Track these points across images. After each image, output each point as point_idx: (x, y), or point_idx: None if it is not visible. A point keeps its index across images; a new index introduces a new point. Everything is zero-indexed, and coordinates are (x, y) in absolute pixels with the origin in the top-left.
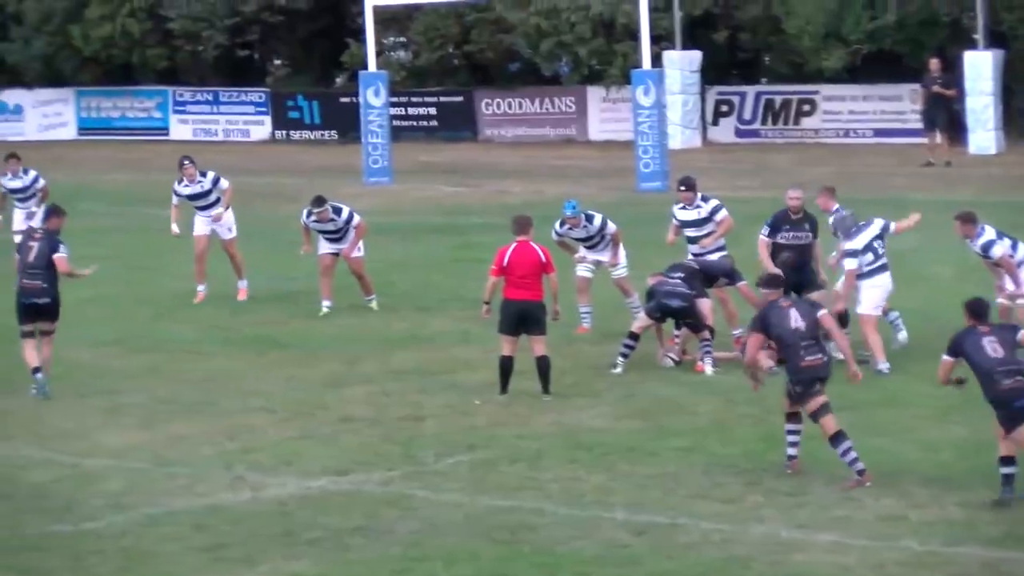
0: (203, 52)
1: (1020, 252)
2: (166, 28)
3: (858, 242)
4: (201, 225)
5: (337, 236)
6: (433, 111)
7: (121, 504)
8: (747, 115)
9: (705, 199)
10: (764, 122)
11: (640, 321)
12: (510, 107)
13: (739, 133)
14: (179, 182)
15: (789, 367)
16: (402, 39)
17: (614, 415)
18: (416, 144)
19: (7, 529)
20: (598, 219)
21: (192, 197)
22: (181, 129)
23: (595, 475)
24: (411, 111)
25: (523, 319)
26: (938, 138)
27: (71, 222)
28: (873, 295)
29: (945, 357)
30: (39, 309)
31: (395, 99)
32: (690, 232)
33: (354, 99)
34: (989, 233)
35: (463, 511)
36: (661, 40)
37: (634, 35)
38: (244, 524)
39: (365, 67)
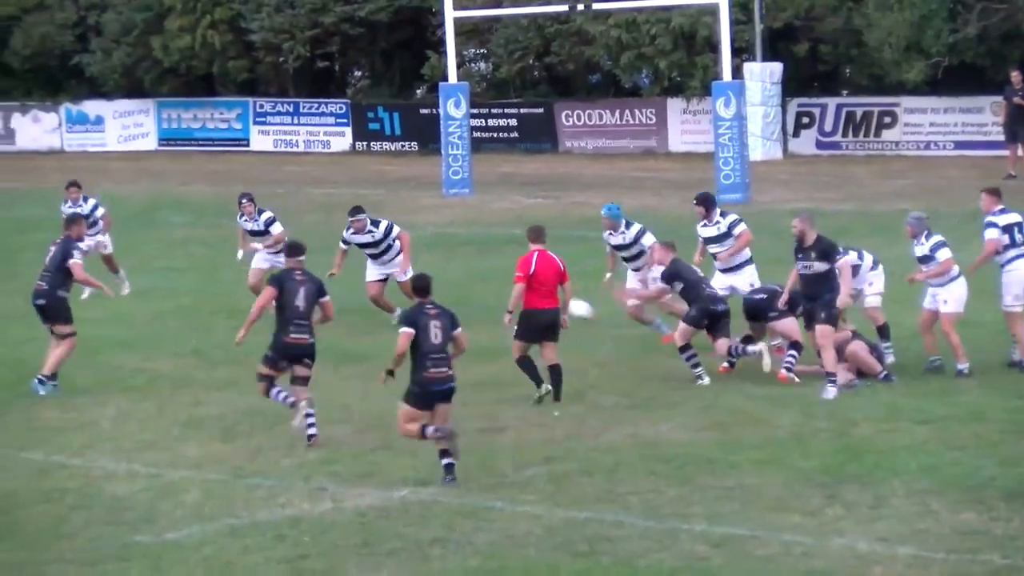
0: (284, 63)
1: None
2: (247, 40)
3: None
4: (259, 259)
5: (378, 252)
6: (513, 123)
7: (202, 515)
8: (828, 127)
9: (724, 215)
10: (845, 134)
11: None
12: (590, 119)
13: (820, 145)
14: (240, 216)
15: None
16: (482, 51)
17: (691, 427)
18: (496, 156)
19: (88, 540)
20: (636, 228)
21: (252, 233)
22: (262, 140)
23: (673, 487)
24: (491, 123)
25: (548, 327)
26: (1020, 151)
27: (151, 233)
28: (960, 294)
29: None
30: (39, 310)
31: (475, 111)
32: (712, 248)
33: (434, 110)
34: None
35: (541, 523)
36: (742, 52)
37: (715, 47)
38: (324, 535)
39: (445, 79)
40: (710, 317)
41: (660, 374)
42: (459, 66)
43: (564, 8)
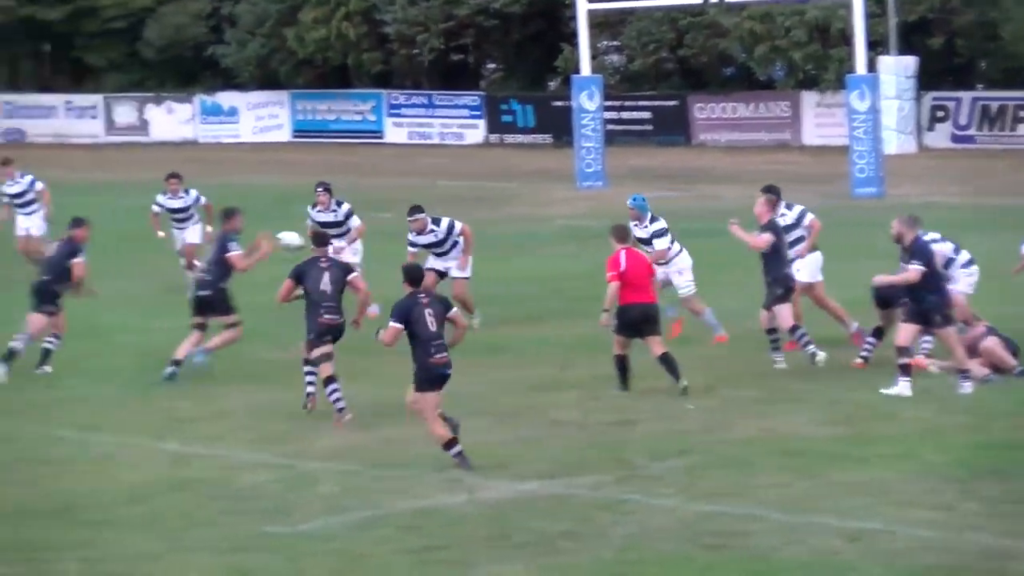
0: (418, 56)
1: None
2: (381, 32)
3: None
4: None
5: (442, 251)
6: (647, 115)
7: (335, 506)
8: (963, 121)
9: (789, 206)
10: (980, 128)
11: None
12: (724, 112)
13: (955, 139)
14: (313, 207)
15: None
16: (616, 43)
17: (822, 421)
18: (629, 148)
19: (224, 529)
20: (660, 223)
21: (327, 224)
22: (396, 132)
23: (804, 481)
24: (624, 115)
25: (645, 321)
26: None
27: (284, 224)
28: None
29: None
30: (201, 301)
31: (609, 103)
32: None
33: (568, 103)
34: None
35: (675, 516)
36: (876, 45)
37: (849, 40)
38: (457, 527)
39: (579, 71)
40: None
41: (792, 368)
42: (592, 58)
43: (698, 1)
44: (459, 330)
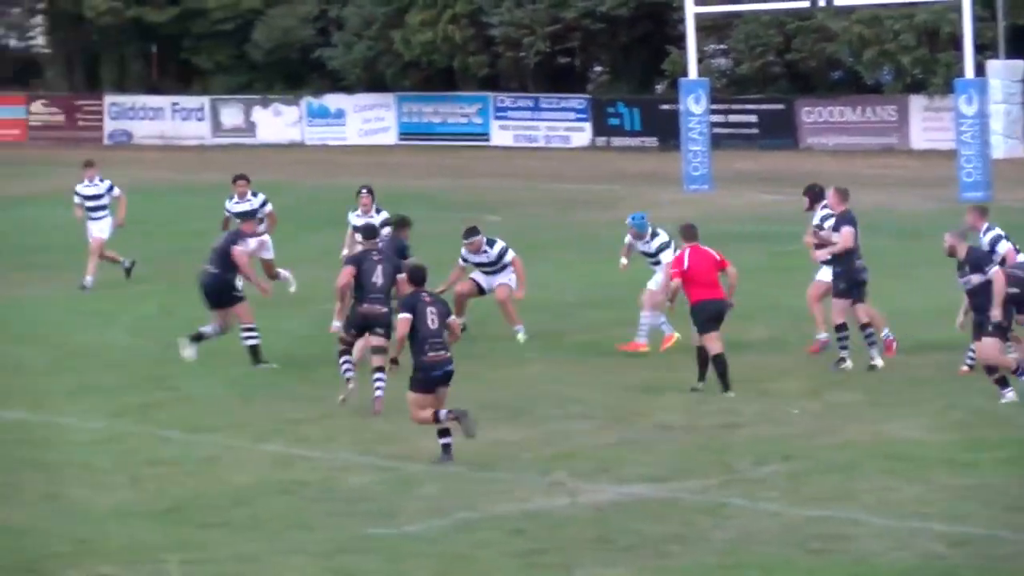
0: (524, 59)
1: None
2: (487, 34)
3: None
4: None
5: (492, 271)
6: (753, 119)
7: (439, 508)
8: None
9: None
10: None
11: None
12: (831, 115)
13: None
14: (354, 211)
15: None
16: (723, 46)
17: (930, 426)
18: (736, 152)
19: (328, 531)
20: (662, 237)
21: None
22: (502, 135)
23: (911, 486)
24: (731, 119)
25: (713, 317)
26: None
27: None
28: None
29: None
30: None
31: (715, 106)
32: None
33: (674, 106)
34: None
35: (779, 520)
36: (985, 49)
37: (958, 44)
38: (561, 530)
39: (686, 74)
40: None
41: (900, 373)
42: (699, 62)
43: (805, 4)
44: (452, 338)
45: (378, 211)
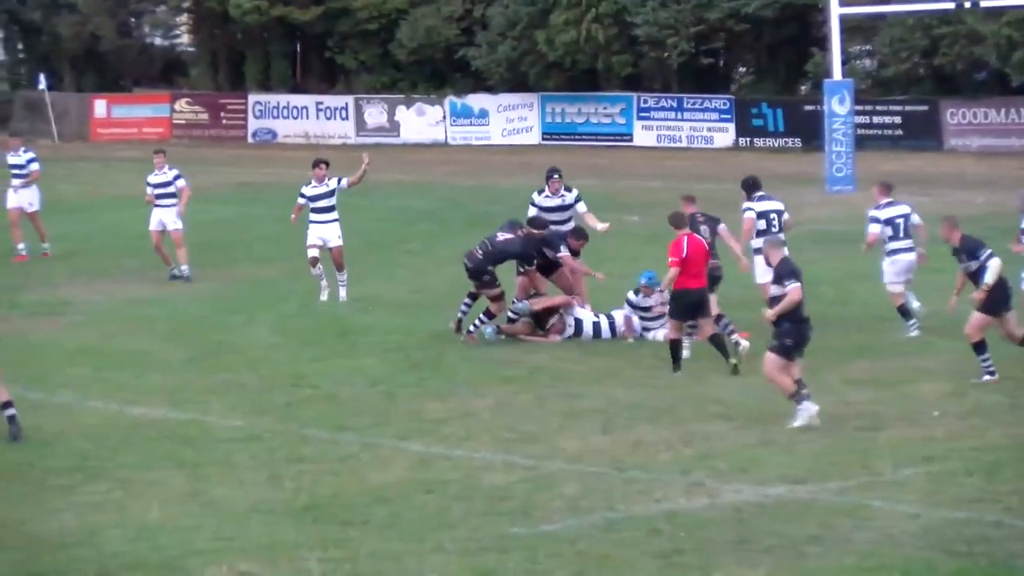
0: (668, 59)
1: None
2: (631, 34)
3: None
4: None
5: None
6: (898, 120)
7: (578, 508)
8: None
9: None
10: None
11: None
12: (975, 117)
13: None
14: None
15: None
16: (868, 47)
17: None
18: (880, 153)
19: (467, 530)
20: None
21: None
22: (645, 135)
23: None
24: (875, 120)
25: (698, 305)
26: None
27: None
28: None
29: None
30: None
31: (859, 108)
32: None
33: (818, 107)
34: None
35: (919, 523)
36: None
37: None
38: (700, 530)
39: (830, 75)
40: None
41: None
42: (844, 63)
43: (951, 5)
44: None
45: (568, 189)
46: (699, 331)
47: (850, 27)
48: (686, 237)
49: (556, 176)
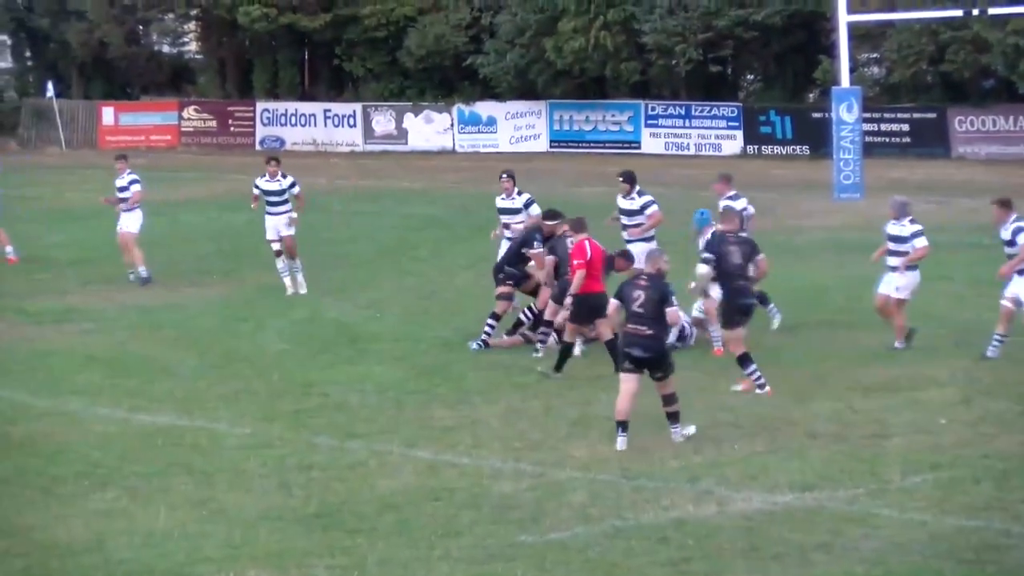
0: (676, 66)
1: None
2: (639, 42)
3: None
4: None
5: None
6: (905, 127)
7: (587, 516)
8: None
9: (642, 195)
10: None
11: None
12: (983, 124)
13: None
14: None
15: None
16: (875, 55)
17: None
18: (888, 160)
19: (475, 538)
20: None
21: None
22: (652, 143)
23: None
24: (883, 127)
25: (600, 308)
26: None
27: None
28: None
29: None
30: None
31: (867, 115)
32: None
33: (826, 114)
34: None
35: (927, 530)
36: None
37: None
38: (709, 538)
39: (838, 83)
40: None
41: None
42: (852, 70)
43: (958, 13)
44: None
45: (519, 193)
46: (595, 330)
47: (858, 34)
48: (587, 241)
49: (505, 176)
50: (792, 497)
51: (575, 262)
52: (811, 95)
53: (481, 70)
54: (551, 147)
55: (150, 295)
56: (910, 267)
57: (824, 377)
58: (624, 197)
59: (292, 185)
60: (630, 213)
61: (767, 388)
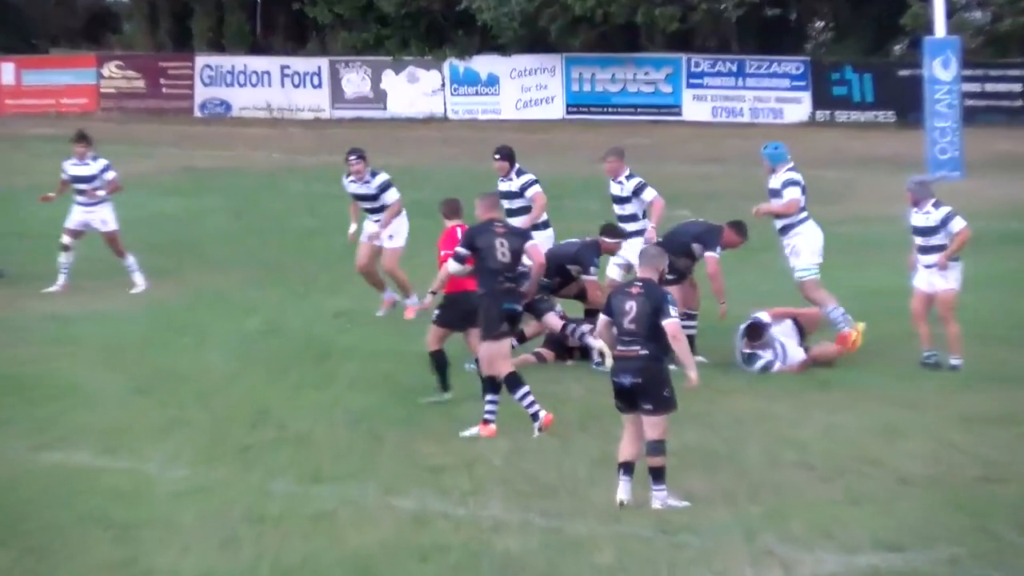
0: (725, 11)
1: None
2: None
3: None
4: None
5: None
6: (1017, 88)
7: None
8: None
9: (522, 174)
10: None
11: None
12: None
13: None
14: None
15: None
16: None
17: None
18: (995, 129)
19: None
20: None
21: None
22: (696, 108)
23: None
24: (988, 88)
25: (475, 314)
26: None
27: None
28: None
29: None
30: None
31: (969, 72)
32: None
33: (917, 71)
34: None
35: None
36: None
37: None
38: None
39: (931, 32)
40: None
41: None
42: (949, 15)
43: None
44: None
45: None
46: (467, 337)
47: None
48: (459, 228)
49: (353, 158)
50: (876, 558)
51: (444, 252)
52: (897, 47)
53: (479, 15)
54: (568, 113)
55: (67, 302)
56: (952, 260)
57: (915, 405)
58: (502, 179)
59: (105, 169)
60: (510, 196)
61: (544, 416)
